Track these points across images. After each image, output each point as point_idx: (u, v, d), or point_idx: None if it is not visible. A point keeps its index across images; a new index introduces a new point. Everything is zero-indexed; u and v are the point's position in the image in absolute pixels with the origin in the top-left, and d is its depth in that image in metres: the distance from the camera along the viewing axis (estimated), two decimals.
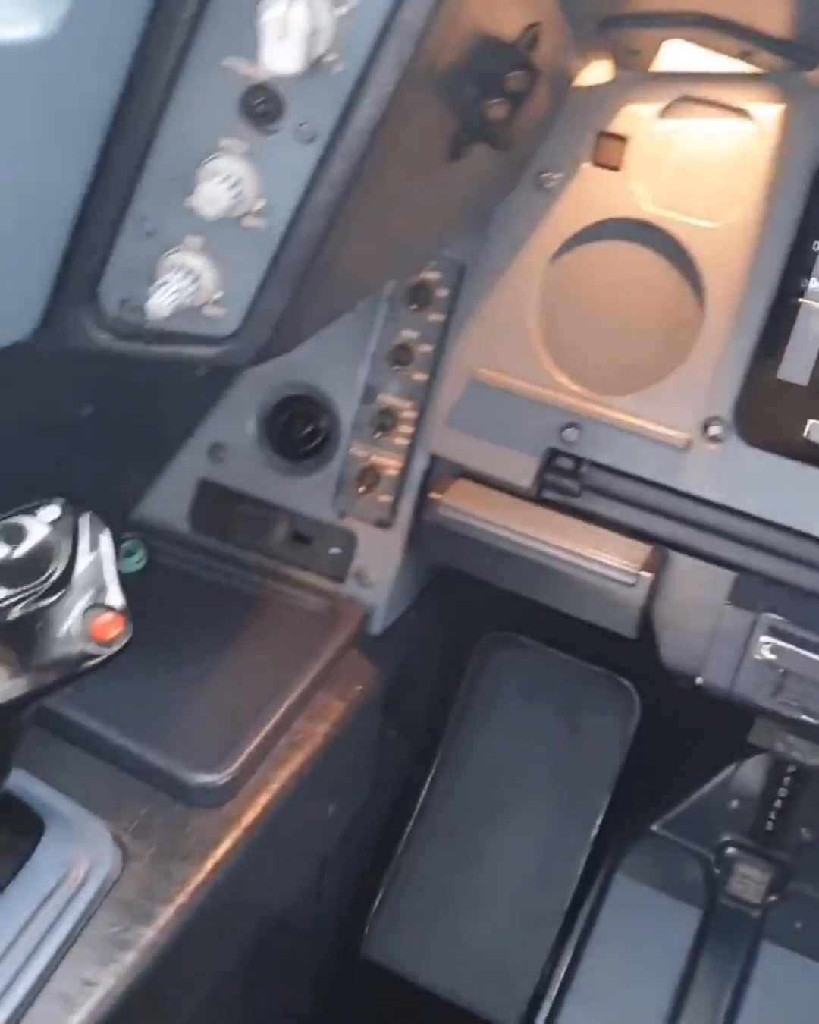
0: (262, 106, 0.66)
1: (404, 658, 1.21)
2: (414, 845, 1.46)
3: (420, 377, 1.10)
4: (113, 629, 0.67)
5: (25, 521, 0.67)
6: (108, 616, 0.67)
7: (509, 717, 1.49)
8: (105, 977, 0.76)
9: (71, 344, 0.75)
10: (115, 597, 0.68)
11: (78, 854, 0.80)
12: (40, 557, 0.66)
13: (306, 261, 0.71)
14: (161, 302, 0.68)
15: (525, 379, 1.04)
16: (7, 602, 0.65)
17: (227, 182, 0.67)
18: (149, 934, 0.80)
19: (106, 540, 0.69)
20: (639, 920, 1.40)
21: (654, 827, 1.46)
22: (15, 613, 0.65)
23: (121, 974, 0.77)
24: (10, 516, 0.68)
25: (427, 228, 0.93)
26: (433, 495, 1.07)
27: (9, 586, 0.65)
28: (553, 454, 1.06)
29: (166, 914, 0.82)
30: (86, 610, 0.67)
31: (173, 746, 0.91)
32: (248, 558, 1.18)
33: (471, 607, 1.38)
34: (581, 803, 1.47)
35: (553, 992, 1.33)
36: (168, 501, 1.20)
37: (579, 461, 1.06)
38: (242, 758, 0.92)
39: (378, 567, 1.14)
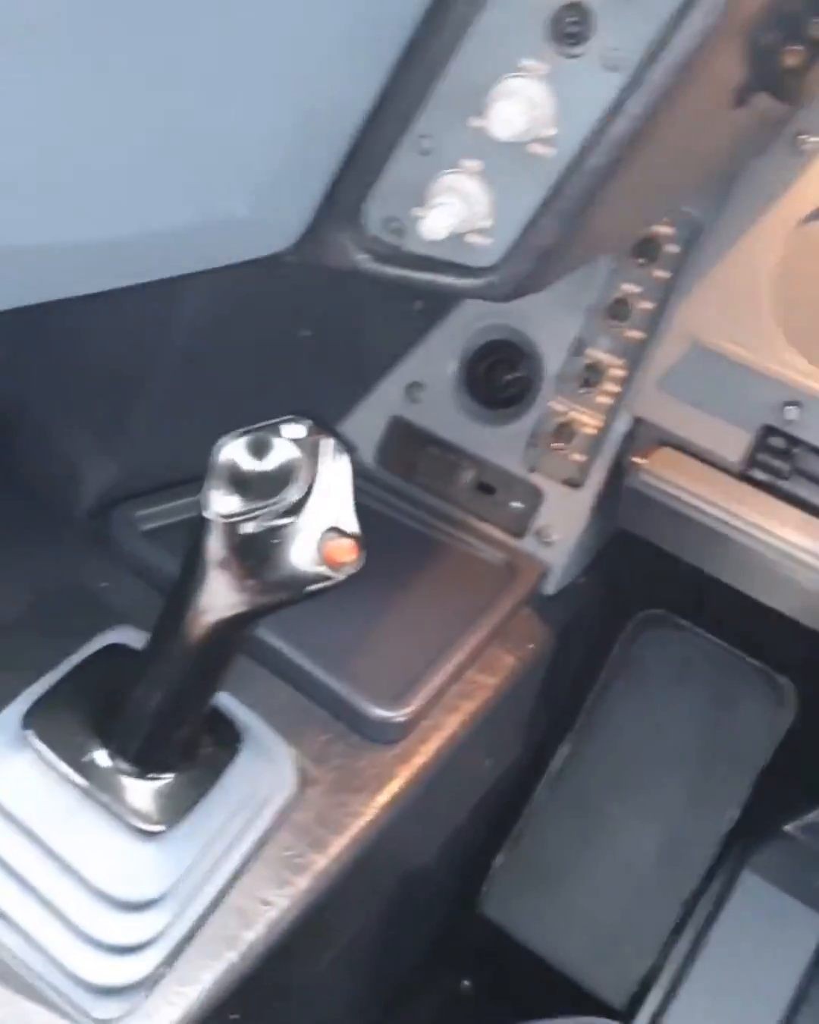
0: (572, 26, 0.63)
1: (567, 623, 1.19)
2: (540, 811, 1.44)
3: (635, 335, 1.07)
4: (347, 555, 0.65)
5: (272, 436, 0.66)
6: (344, 542, 0.65)
7: (654, 696, 1.45)
8: (278, 898, 0.76)
9: (328, 261, 0.73)
10: (351, 523, 0.66)
11: (265, 773, 0.80)
12: (283, 474, 0.65)
13: (584, 196, 0.68)
14: (437, 224, 0.66)
15: (750, 349, 1.00)
16: (247, 515, 0.64)
17: (524, 104, 0.64)
18: (321, 862, 0.80)
19: (346, 465, 0.68)
20: (763, 919, 1.36)
21: (788, 828, 1.42)
22: (253, 527, 0.64)
23: (293, 897, 0.77)
24: (257, 429, 0.67)
25: (686, 178, 0.89)
26: (635, 460, 1.04)
27: (251, 499, 0.64)
28: (768, 432, 1.02)
29: (339, 844, 0.82)
30: (321, 533, 0.66)
31: (356, 678, 0.90)
32: (429, 501, 1.16)
33: (633, 580, 1.35)
34: (718, 793, 1.43)
35: (666, 980, 1.30)
36: (359, 434, 1.19)
37: (793, 442, 1.02)
38: (419, 700, 0.91)
39: (561, 527, 1.12)
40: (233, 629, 0.67)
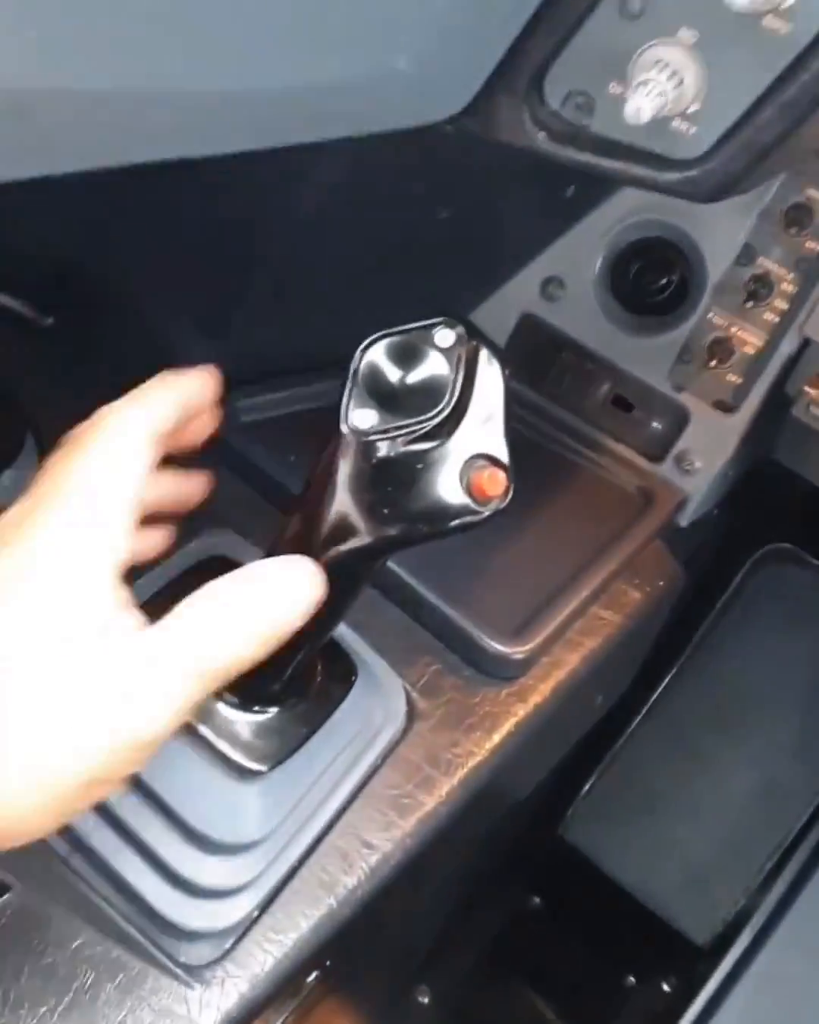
0: None
1: (698, 557, 1.10)
2: (636, 741, 1.38)
3: (815, 247, 0.95)
4: (496, 487, 0.56)
5: (422, 343, 0.57)
6: (495, 472, 0.56)
7: (769, 634, 1.37)
8: (381, 841, 0.71)
9: (495, 135, 0.63)
10: (502, 451, 0.57)
11: (375, 706, 0.74)
12: (431, 390, 0.56)
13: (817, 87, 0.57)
14: (642, 105, 0.55)
15: None
16: (387, 433, 0.56)
17: None
18: (428, 803, 0.74)
19: (500, 382, 0.58)
20: None
21: None
22: (395, 449, 0.56)
23: (397, 840, 0.71)
24: (405, 332, 0.57)
25: None
26: (807, 388, 0.94)
27: (393, 415, 0.56)
28: None
29: (447, 785, 0.76)
30: (468, 460, 0.57)
31: (475, 608, 0.83)
32: (557, 413, 1.07)
33: (766, 512, 1.26)
34: None
35: (757, 923, 1.25)
36: (483, 330, 1.09)
37: None
38: (541, 637, 0.84)
39: (706, 454, 1.02)
40: (361, 563, 0.59)
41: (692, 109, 0.58)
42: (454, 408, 0.57)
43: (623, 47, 0.58)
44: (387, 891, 0.69)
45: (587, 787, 1.39)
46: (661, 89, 0.56)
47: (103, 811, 0.61)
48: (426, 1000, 1.35)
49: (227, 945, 0.62)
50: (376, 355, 0.57)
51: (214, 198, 0.79)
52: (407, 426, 0.56)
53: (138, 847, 0.61)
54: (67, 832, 0.62)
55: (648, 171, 0.61)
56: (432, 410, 0.56)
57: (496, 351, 0.59)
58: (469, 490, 0.56)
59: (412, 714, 0.78)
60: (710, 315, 1.00)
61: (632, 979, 1.41)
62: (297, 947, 0.64)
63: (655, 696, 1.38)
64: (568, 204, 1.01)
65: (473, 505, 0.57)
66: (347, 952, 0.71)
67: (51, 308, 0.84)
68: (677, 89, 0.57)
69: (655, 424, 1.04)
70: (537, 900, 1.49)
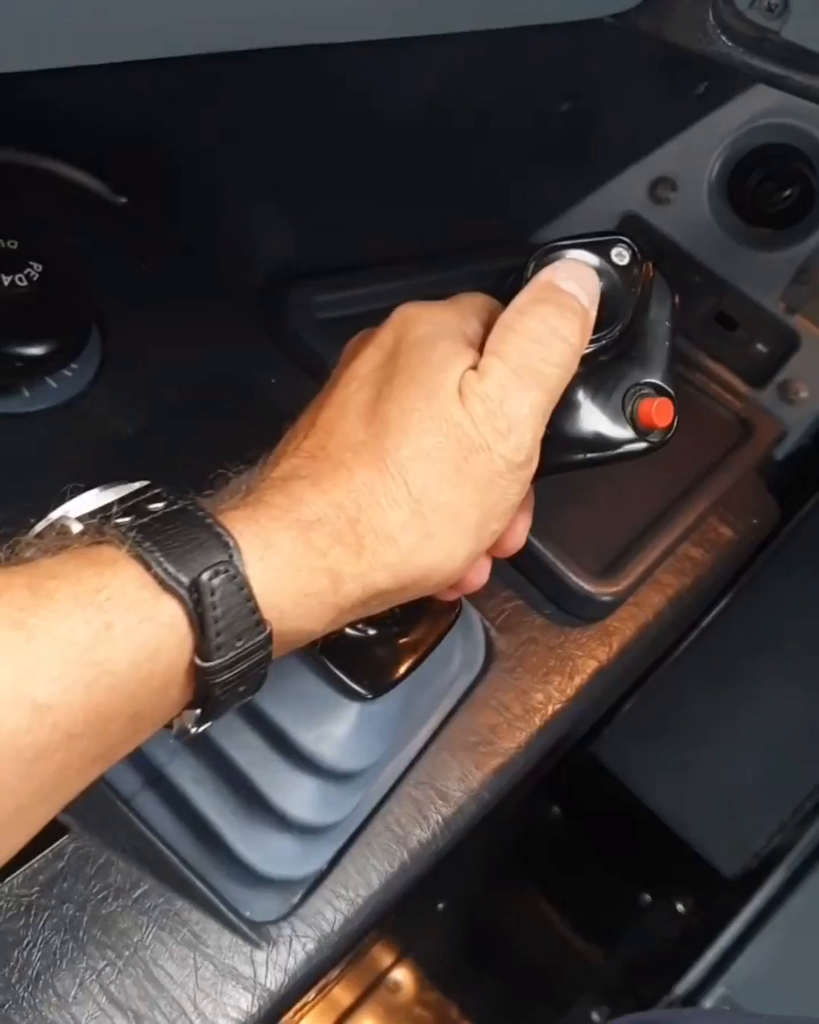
0: None
1: (791, 492, 1.04)
2: (682, 662, 1.34)
3: None
4: (665, 417, 0.52)
5: (599, 257, 0.51)
6: (664, 402, 0.52)
7: None
8: (456, 792, 0.67)
9: (671, 35, 0.55)
10: (669, 381, 0.53)
11: (456, 646, 0.69)
12: (603, 310, 0.51)
13: None
14: None
15: None
16: None
17: None
18: (506, 752, 0.70)
19: (669, 308, 0.54)
20: None
21: None
22: None
23: (472, 792, 0.67)
24: (582, 244, 0.52)
25: None
26: None
27: None
28: None
29: (525, 733, 0.71)
30: (634, 386, 0.53)
31: (562, 543, 0.77)
32: None
33: None
34: None
35: (793, 861, 1.23)
36: (578, 230, 1.00)
37: None
38: (629, 578, 0.79)
39: (814, 384, 0.95)
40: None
41: None
42: (625, 330, 0.52)
43: None
44: (457, 848, 0.66)
45: (626, 708, 1.35)
46: None
47: (195, 738, 0.56)
48: (441, 905, 1.34)
49: (295, 900, 0.59)
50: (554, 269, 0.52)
51: (319, 86, 0.71)
52: None
53: (225, 772, 0.56)
54: (137, 767, 0.58)
55: None
56: (605, 329, 0.51)
57: (668, 278, 0.54)
58: (634, 418, 0.53)
59: (491, 653, 0.73)
60: None
61: (647, 897, 1.41)
62: (366, 904, 0.60)
63: (708, 621, 1.33)
64: (696, 100, 0.92)
65: (636, 435, 0.53)
66: (409, 906, 0.67)
67: (126, 187, 0.76)
68: None
69: (760, 346, 0.96)
70: (557, 809, 1.48)
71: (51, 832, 0.55)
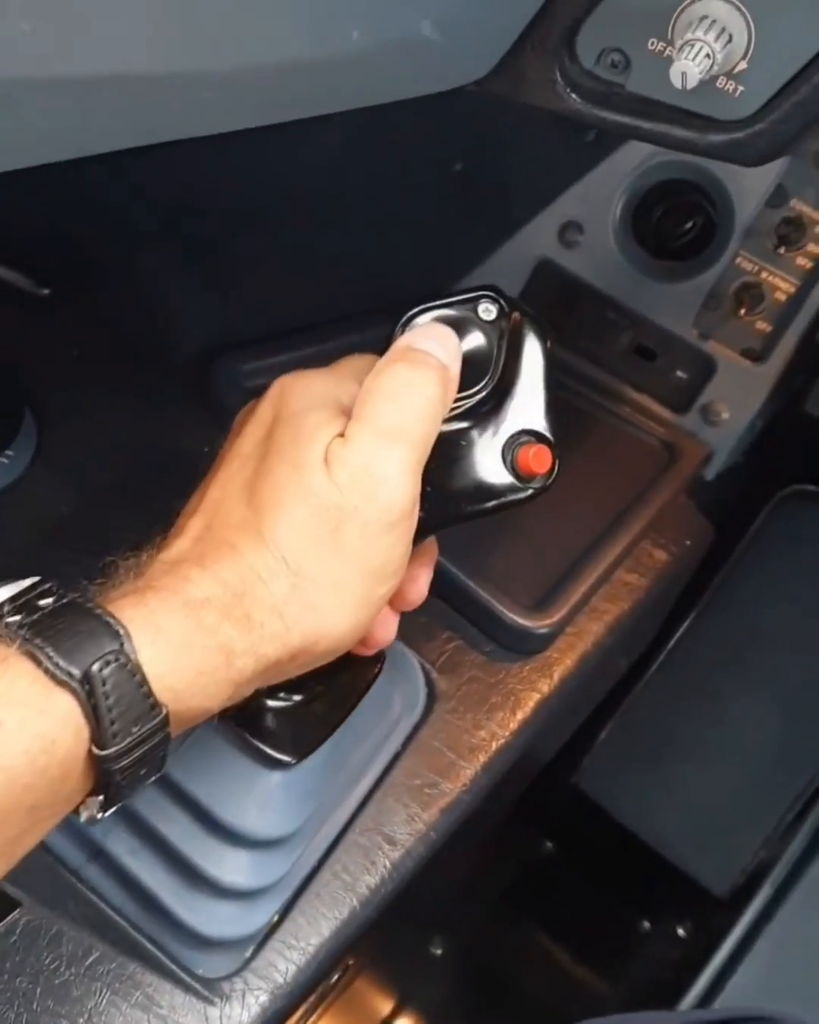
0: None
1: (724, 510, 1.06)
2: (652, 688, 1.36)
3: None
4: (542, 464, 0.54)
5: (468, 314, 0.54)
6: (541, 449, 0.54)
7: (790, 578, 1.34)
8: (404, 835, 0.68)
9: (525, 98, 0.58)
10: (545, 425, 0.55)
11: (394, 690, 0.71)
12: (473, 364, 0.53)
13: None
14: (689, 69, 0.50)
15: None
16: None
17: None
18: (452, 792, 0.71)
19: (542, 353, 0.56)
20: None
21: None
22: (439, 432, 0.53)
23: (419, 834, 0.69)
24: (448, 305, 0.54)
25: None
26: None
27: None
28: None
29: (470, 770, 0.73)
30: (512, 436, 0.55)
31: (495, 579, 0.80)
32: (576, 363, 1.02)
33: (790, 456, 1.22)
34: None
35: (779, 875, 1.24)
36: (498, 279, 1.03)
37: None
38: (565, 608, 0.81)
39: (734, 405, 0.97)
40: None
41: (739, 68, 0.53)
42: (497, 384, 0.54)
43: (664, 2, 0.52)
44: (407, 892, 0.67)
45: (603, 736, 1.37)
46: (708, 50, 0.50)
47: (122, 812, 0.58)
48: (439, 951, 1.35)
49: (247, 954, 0.60)
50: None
51: (221, 167, 0.74)
52: (454, 404, 0.53)
53: (158, 846, 0.58)
54: (79, 843, 0.60)
55: (690, 133, 0.55)
56: (475, 386, 0.54)
57: (539, 323, 0.56)
58: (514, 468, 0.55)
59: (432, 695, 0.75)
60: (738, 260, 0.94)
61: (646, 924, 1.41)
62: (319, 952, 0.62)
63: (672, 643, 1.35)
64: (587, 147, 0.95)
65: (518, 483, 0.55)
66: (371, 951, 0.69)
67: (49, 278, 0.79)
68: (725, 49, 0.51)
69: (679, 373, 0.99)
70: (550, 845, 1.49)
71: (2, 906, 0.56)
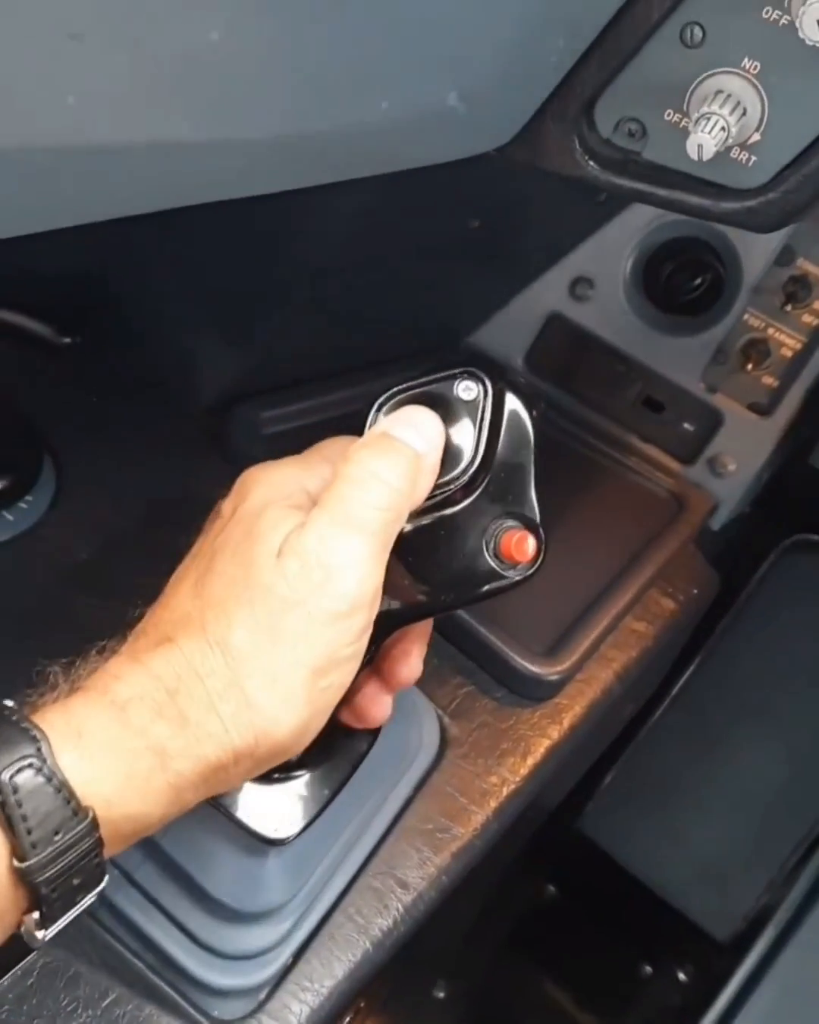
0: None
1: (731, 559, 1.08)
2: (657, 733, 1.37)
3: None
4: (525, 553, 0.52)
5: (441, 395, 0.53)
6: (525, 536, 0.52)
7: (795, 625, 1.35)
8: (416, 879, 0.69)
9: (544, 164, 0.60)
10: (531, 508, 0.54)
11: (409, 735, 0.72)
12: (453, 447, 0.52)
13: None
14: (706, 141, 0.52)
15: None
16: None
17: None
18: (463, 836, 0.73)
19: (529, 433, 0.54)
20: None
21: None
22: (414, 520, 0.52)
23: (430, 878, 0.70)
24: (426, 385, 0.53)
25: None
26: None
27: None
28: None
29: (482, 815, 0.74)
30: (495, 519, 0.53)
31: (505, 627, 0.81)
32: (585, 414, 1.04)
33: (794, 506, 1.24)
34: None
35: (782, 919, 1.24)
36: (509, 329, 1.06)
37: None
38: (575, 655, 0.82)
39: (740, 457, 0.99)
40: (383, 631, 0.53)
41: (752, 140, 0.55)
42: (479, 466, 0.53)
43: (680, 76, 0.54)
44: (418, 936, 0.68)
45: (607, 780, 1.37)
46: (723, 123, 0.52)
47: (125, 875, 0.59)
48: (442, 994, 1.35)
49: (261, 997, 0.61)
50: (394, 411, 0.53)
51: (245, 226, 0.76)
52: (434, 490, 0.52)
53: (164, 912, 0.60)
54: None
55: (704, 201, 0.58)
56: (456, 469, 0.52)
57: (524, 393, 0.54)
58: (497, 553, 0.53)
59: (444, 740, 0.76)
60: (746, 316, 0.97)
61: (648, 969, 1.41)
62: (332, 994, 0.63)
63: (677, 688, 1.36)
64: (599, 206, 0.98)
65: (501, 570, 0.53)
66: (383, 993, 0.69)
67: (70, 328, 0.81)
68: (740, 121, 0.53)
69: (687, 425, 1.01)
70: (553, 889, 1.49)
71: (20, 949, 0.57)
